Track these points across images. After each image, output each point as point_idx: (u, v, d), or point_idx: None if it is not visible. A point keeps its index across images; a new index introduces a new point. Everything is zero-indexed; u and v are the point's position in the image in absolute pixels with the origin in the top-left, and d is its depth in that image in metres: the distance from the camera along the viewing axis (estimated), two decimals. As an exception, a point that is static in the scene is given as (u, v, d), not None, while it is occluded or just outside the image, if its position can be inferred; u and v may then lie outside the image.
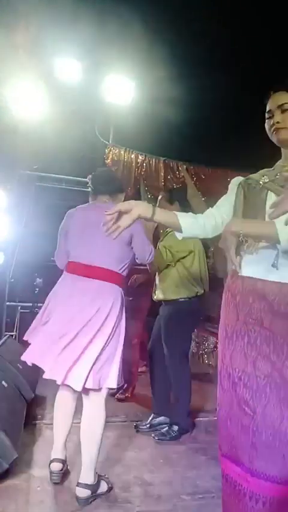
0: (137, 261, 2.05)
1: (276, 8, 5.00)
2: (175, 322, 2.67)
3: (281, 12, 4.99)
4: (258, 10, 5.08)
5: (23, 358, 1.89)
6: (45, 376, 1.81)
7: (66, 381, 1.77)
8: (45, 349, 1.82)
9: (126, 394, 3.34)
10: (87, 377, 1.76)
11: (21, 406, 2.57)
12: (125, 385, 3.33)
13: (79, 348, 1.78)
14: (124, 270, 1.97)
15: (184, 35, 5.08)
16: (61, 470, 1.93)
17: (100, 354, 1.80)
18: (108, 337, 1.83)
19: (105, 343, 1.82)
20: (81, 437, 1.86)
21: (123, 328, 1.90)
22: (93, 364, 1.77)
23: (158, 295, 2.81)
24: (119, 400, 3.30)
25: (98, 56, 4.75)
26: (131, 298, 3.13)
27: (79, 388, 1.77)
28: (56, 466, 1.93)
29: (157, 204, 2.91)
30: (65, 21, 4.28)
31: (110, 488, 1.91)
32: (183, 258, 2.73)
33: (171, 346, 2.66)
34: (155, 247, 2.76)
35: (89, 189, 2.13)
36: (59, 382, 1.80)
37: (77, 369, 1.76)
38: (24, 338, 1.97)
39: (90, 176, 2.12)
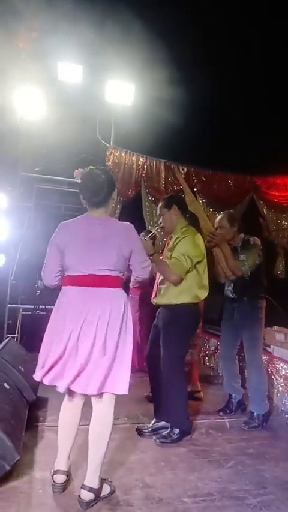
0: (136, 276, 2.09)
1: (276, 13, 5.02)
2: (177, 327, 2.62)
3: (280, 17, 5.01)
4: (258, 14, 5.11)
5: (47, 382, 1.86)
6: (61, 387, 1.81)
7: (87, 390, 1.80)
8: (66, 366, 1.83)
9: None
10: (105, 382, 1.81)
11: (23, 408, 2.58)
12: None
13: (100, 355, 1.81)
14: (123, 274, 2.02)
15: (184, 38, 5.10)
16: (64, 483, 1.93)
17: (115, 358, 1.84)
18: (122, 340, 1.88)
19: (118, 347, 1.86)
20: (90, 439, 1.87)
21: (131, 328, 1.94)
22: (111, 369, 1.83)
23: (160, 299, 2.74)
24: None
25: (99, 59, 4.79)
26: None
27: (98, 392, 1.80)
28: (60, 478, 1.93)
29: (158, 212, 2.91)
30: (67, 26, 4.33)
31: (113, 491, 1.91)
32: (199, 262, 2.67)
33: (169, 350, 2.61)
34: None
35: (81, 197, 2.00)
36: (81, 392, 1.82)
37: (97, 376, 1.80)
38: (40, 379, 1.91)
39: (79, 182, 1.99)
